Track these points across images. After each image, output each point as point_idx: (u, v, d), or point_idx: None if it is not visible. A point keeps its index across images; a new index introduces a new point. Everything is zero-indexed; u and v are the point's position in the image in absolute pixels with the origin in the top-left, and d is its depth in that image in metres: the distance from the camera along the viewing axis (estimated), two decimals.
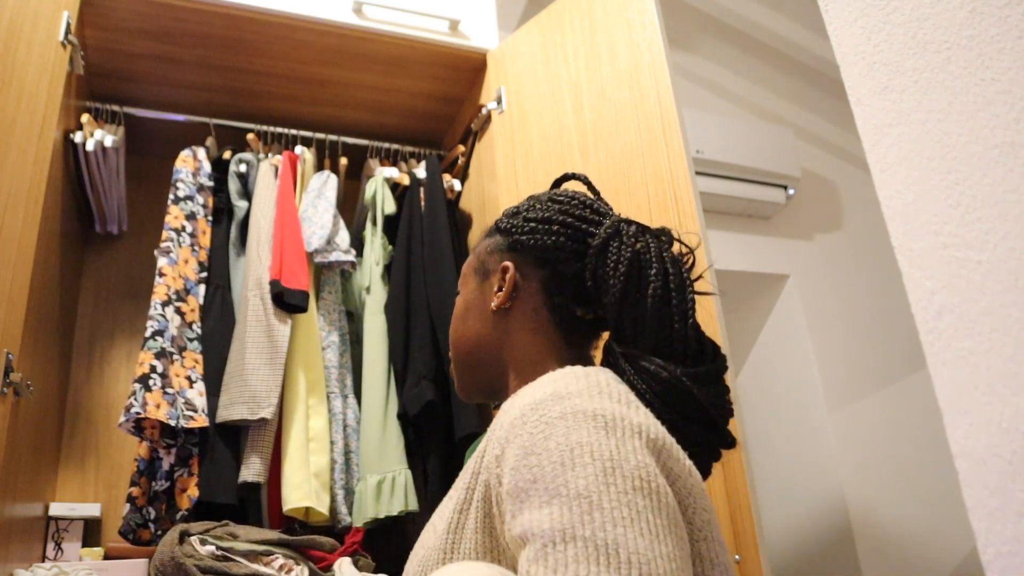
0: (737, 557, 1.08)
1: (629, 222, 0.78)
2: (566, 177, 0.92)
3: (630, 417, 0.59)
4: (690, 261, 0.78)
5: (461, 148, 1.93)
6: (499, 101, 1.74)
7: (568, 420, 0.57)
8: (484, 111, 1.78)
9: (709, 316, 1.20)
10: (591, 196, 0.84)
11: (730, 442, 0.74)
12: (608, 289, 0.74)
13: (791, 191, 2.64)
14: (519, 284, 0.80)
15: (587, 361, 0.81)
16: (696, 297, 0.75)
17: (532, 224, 0.80)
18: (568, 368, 0.66)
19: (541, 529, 0.51)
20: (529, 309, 0.79)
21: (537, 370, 0.77)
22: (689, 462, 0.62)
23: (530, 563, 0.50)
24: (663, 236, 0.78)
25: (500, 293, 0.80)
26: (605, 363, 0.77)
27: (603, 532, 0.50)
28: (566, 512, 0.51)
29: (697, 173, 1.86)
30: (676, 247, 0.79)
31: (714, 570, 0.60)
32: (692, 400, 0.69)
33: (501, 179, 1.68)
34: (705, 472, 0.72)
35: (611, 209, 0.82)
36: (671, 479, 0.59)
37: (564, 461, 0.54)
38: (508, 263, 0.81)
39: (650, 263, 0.73)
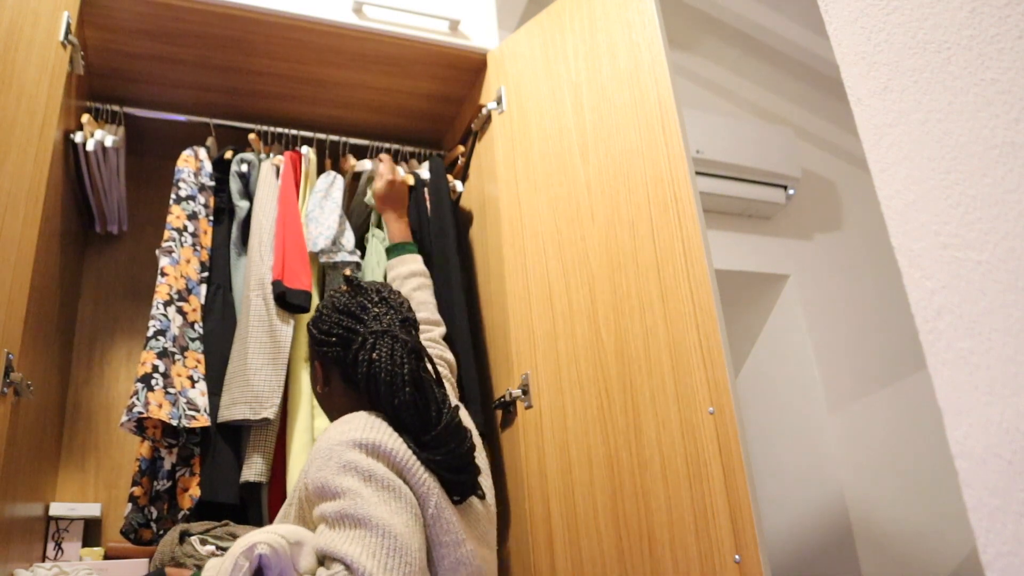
0: (737, 557, 1.08)
1: (373, 332, 1.09)
2: (346, 279, 1.21)
3: (384, 443, 0.96)
4: (423, 354, 1.12)
5: (461, 148, 1.93)
6: (499, 101, 1.74)
7: (343, 446, 0.94)
8: (484, 111, 1.78)
9: (709, 316, 1.20)
10: (358, 301, 1.14)
11: (473, 481, 1.06)
12: (360, 384, 1.08)
13: (791, 191, 2.64)
14: (326, 374, 1.16)
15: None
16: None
17: (319, 338, 1.15)
18: (354, 413, 1.02)
19: (328, 512, 0.88)
20: (340, 388, 1.14)
21: None
22: (424, 476, 0.98)
23: (324, 529, 0.88)
24: (408, 337, 1.10)
25: (319, 381, 1.18)
26: None
27: (363, 510, 0.87)
28: (343, 501, 0.88)
29: (697, 173, 1.87)
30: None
31: (438, 546, 0.96)
32: (426, 460, 1.00)
33: (501, 179, 1.68)
34: (470, 489, 1.06)
35: (374, 308, 1.13)
36: (410, 486, 0.95)
37: (339, 472, 0.91)
38: (317, 362, 1.17)
39: (380, 370, 1.05)
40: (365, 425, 0.97)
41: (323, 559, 0.85)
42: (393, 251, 1.65)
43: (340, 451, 0.92)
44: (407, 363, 1.07)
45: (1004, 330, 0.50)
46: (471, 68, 1.84)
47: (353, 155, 1.90)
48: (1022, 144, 0.52)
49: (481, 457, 1.15)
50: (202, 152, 1.71)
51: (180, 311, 1.50)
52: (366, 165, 1.86)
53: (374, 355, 1.07)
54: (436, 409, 1.06)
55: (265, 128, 1.83)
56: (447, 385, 1.32)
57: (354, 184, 1.92)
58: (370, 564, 0.81)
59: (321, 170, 1.81)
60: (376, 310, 1.13)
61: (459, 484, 1.04)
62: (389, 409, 1.04)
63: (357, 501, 0.86)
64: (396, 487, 0.91)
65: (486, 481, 1.15)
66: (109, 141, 1.60)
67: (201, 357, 1.52)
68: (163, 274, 1.50)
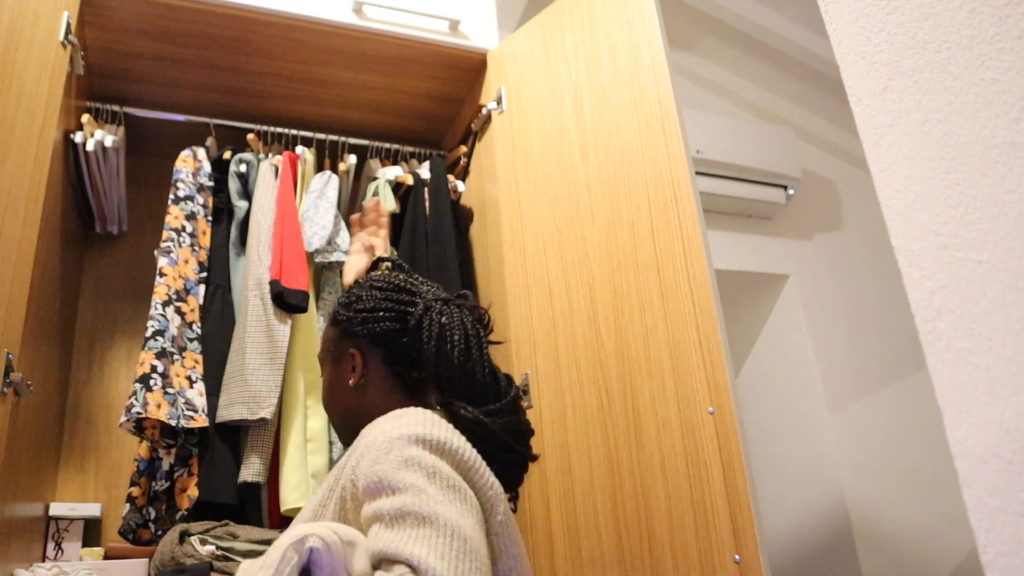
0: (737, 557, 1.08)
1: (436, 299, 1.00)
2: (380, 260, 1.14)
3: (450, 441, 0.83)
4: (487, 320, 1.03)
5: (463, 148, 1.93)
6: (499, 101, 1.74)
7: (404, 440, 0.81)
8: (484, 111, 1.78)
9: (709, 316, 1.20)
10: (404, 277, 1.06)
11: (528, 458, 0.98)
12: (425, 356, 0.97)
13: (791, 191, 2.64)
14: (366, 362, 1.02)
15: (428, 406, 1.01)
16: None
17: (363, 315, 1.02)
18: (409, 408, 0.89)
19: (385, 509, 0.75)
20: (378, 379, 1.01)
21: None
22: (491, 479, 0.85)
23: (380, 530, 0.74)
24: (465, 304, 1.02)
25: (355, 373, 1.02)
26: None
27: (428, 507, 0.74)
28: (403, 497, 0.75)
29: (697, 173, 1.86)
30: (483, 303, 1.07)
31: (504, 556, 0.84)
32: (489, 431, 0.93)
33: (501, 179, 1.68)
34: (517, 480, 0.98)
35: (423, 285, 1.04)
36: (475, 489, 0.83)
37: (400, 467, 0.78)
38: (353, 350, 1.02)
39: (453, 331, 0.97)
40: (425, 420, 0.86)
41: (379, 563, 0.73)
42: None
43: (400, 445, 0.81)
44: (479, 327, 1.00)
45: (1004, 330, 0.50)
46: (471, 68, 1.84)
47: (362, 157, 1.90)
48: (1022, 144, 0.52)
49: None
50: (201, 152, 1.71)
51: (178, 311, 1.50)
52: (397, 172, 1.86)
53: (444, 319, 0.98)
54: (505, 379, 0.99)
55: (265, 128, 1.83)
56: None
57: (355, 185, 1.92)
58: (439, 566, 0.69)
59: (320, 170, 1.81)
60: (426, 286, 1.05)
61: (516, 467, 0.97)
62: (460, 376, 0.95)
63: (421, 497, 0.75)
64: (462, 489, 0.80)
65: None
66: (109, 141, 1.60)
67: (199, 357, 1.52)
68: (161, 274, 1.50)
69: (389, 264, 1.13)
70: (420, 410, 0.89)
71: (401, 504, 0.75)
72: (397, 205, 1.83)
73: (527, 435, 0.99)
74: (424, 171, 1.88)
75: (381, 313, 1.01)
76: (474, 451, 0.86)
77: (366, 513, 0.78)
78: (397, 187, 1.88)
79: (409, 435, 0.82)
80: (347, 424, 1.04)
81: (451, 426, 0.88)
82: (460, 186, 1.91)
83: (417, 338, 0.98)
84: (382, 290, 1.03)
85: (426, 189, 1.83)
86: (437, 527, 0.73)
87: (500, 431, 0.94)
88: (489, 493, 0.85)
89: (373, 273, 1.09)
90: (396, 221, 1.84)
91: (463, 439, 0.86)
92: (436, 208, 1.78)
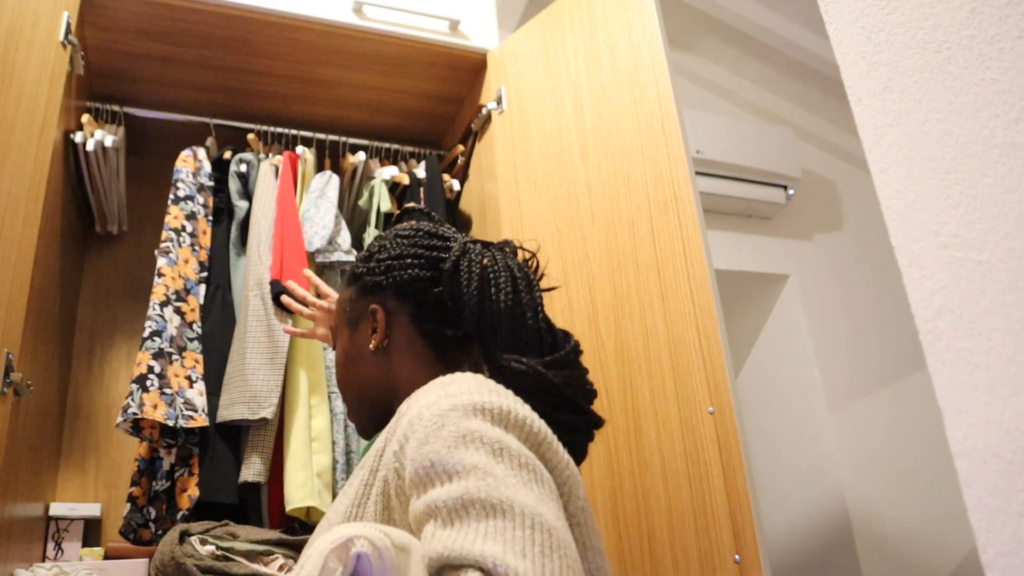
0: (737, 557, 1.08)
1: (474, 241, 0.86)
2: (406, 211, 0.97)
3: (516, 410, 0.67)
4: (534, 264, 0.87)
5: (461, 148, 1.93)
6: (499, 101, 1.74)
7: (459, 412, 0.64)
8: (484, 111, 1.78)
9: (709, 316, 1.20)
10: (433, 225, 0.91)
11: (596, 421, 0.83)
12: (465, 304, 0.81)
13: (791, 191, 2.64)
14: (390, 321, 0.86)
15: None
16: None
17: (387, 263, 0.86)
18: (456, 374, 0.73)
19: (442, 500, 0.58)
20: (404, 341, 0.86)
21: None
22: (567, 456, 0.69)
23: (436, 529, 0.57)
24: (507, 248, 0.87)
25: (375, 335, 0.86)
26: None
27: (497, 493, 0.57)
28: (463, 482, 0.58)
29: (697, 173, 1.86)
30: (521, 255, 0.88)
31: (587, 552, 0.68)
32: (550, 385, 0.77)
33: (501, 179, 1.68)
34: (583, 453, 0.82)
35: (455, 232, 0.89)
36: (549, 468, 0.66)
37: (457, 444, 0.61)
38: (375, 305, 0.86)
39: (498, 273, 0.81)
40: (480, 386, 0.69)
41: (440, 571, 0.55)
42: None
43: (455, 418, 0.64)
44: (527, 270, 0.85)
45: (1004, 330, 0.50)
46: (471, 68, 1.84)
47: (356, 155, 1.90)
48: (1022, 144, 0.52)
49: None
50: (201, 152, 1.71)
51: (178, 311, 1.50)
52: (394, 172, 1.86)
53: (485, 261, 0.82)
54: (561, 332, 0.84)
55: (265, 128, 1.83)
56: None
57: (356, 185, 1.92)
58: (521, 566, 0.52)
59: (320, 170, 1.81)
60: (460, 234, 0.90)
61: (582, 432, 0.82)
62: (508, 325, 0.79)
63: (488, 481, 0.58)
64: (536, 468, 0.62)
65: None
66: (109, 141, 1.60)
67: (200, 357, 1.52)
68: (160, 275, 1.50)
69: (409, 211, 0.97)
70: (471, 375, 0.73)
71: (462, 491, 0.58)
72: (394, 205, 1.83)
73: (592, 394, 0.83)
74: (420, 171, 1.88)
75: (409, 260, 0.85)
76: (543, 422, 0.69)
77: (416, 509, 0.61)
78: (394, 187, 1.89)
79: (465, 404, 0.65)
80: (365, 400, 0.88)
81: (511, 392, 0.71)
82: (456, 185, 1.91)
83: (454, 284, 0.82)
84: (409, 237, 0.88)
85: (421, 189, 1.83)
86: (512, 517, 0.56)
87: (563, 385, 0.78)
88: (566, 473, 0.68)
89: (397, 226, 0.94)
90: (392, 222, 1.84)
91: (529, 408, 0.69)
92: (431, 207, 1.78)
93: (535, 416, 0.68)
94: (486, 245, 0.86)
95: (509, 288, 0.81)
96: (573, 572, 0.55)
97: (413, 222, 0.93)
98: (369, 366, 0.87)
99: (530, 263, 0.87)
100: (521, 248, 0.89)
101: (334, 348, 0.95)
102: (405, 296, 0.85)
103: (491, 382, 0.72)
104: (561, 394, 0.78)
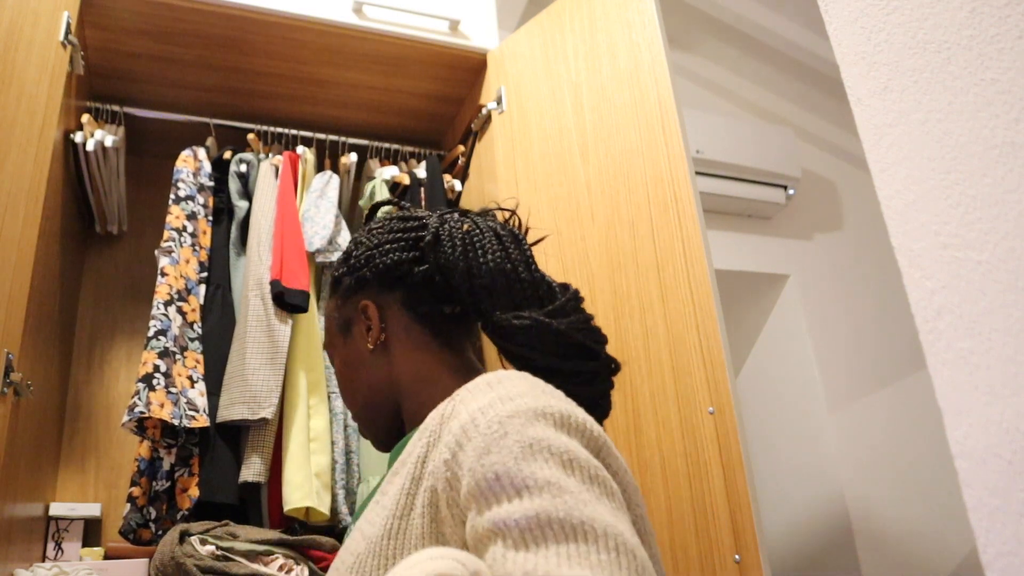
0: (737, 557, 1.08)
1: (451, 211, 0.82)
2: (378, 205, 0.94)
3: (575, 415, 0.62)
4: (515, 222, 0.84)
5: (461, 148, 1.93)
6: (499, 101, 1.74)
7: (521, 418, 0.59)
8: (484, 111, 1.78)
9: (709, 316, 1.20)
10: (403, 210, 0.87)
11: (613, 364, 0.78)
12: (454, 271, 0.77)
13: (791, 191, 2.64)
14: (383, 314, 0.82)
15: (470, 362, 0.83)
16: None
17: (366, 255, 0.83)
18: (502, 372, 0.68)
19: (514, 519, 0.52)
20: (402, 331, 0.81)
21: (429, 385, 0.80)
22: (624, 462, 0.65)
23: (507, 550, 0.51)
24: (486, 214, 0.83)
25: (371, 331, 0.82)
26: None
27: (577, 511, 0.51)
28: (537, 500, 0.52)
29: (697, 173, 1.87)
30: (501, 216, 0.84)
31: (656, 565, 0.63)
32: (557, 333, 0.74)
33: (501, 179, 1.68)
34: (607, 405, 0.78)
35: (428, 212, 0.85)
36: (610, 474, 0.61)
37: (525, 455, 0.56)
38: (365, 301, 0.82)
39: (482, 234, 0.78)
40: (534, 387, 0.64)
41: None
42: None
43: (518, 425, 0.58)
44: (511, 229, 0.81)
45: (1004, 330, 0.50)
46: (471, 68, 1.84)
47: (362, 157, 1.90)
48: (1022, 144, 0.52)
49: None
50: (201, 152, 1.71)
51: (180, 311, 1.50)
52: (394, 172, 1.86)
53: (466, 226, 0.79)
54: (559, 284, 0.80)
55: (265, 128, 1.83)
56: None
57: (354, 184, 1.92)
58: None
59: (321, 170, 1.81)
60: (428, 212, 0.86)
61: (600, 379, 0.77)
62: (502, 283, 0.76)
63: (566, 499, 0.53)
64: (604, 480, 0.57)
65: None
66: (109, 141, 1.60)
67: (200, 357, 1.52)
68: (163, 274, 1.50)
69: (392, 202, 0.95)
70: (517, 373, 0.67)
71: (537, 510, 0.52)
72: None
73: (603, 337, 0.78)
74: (421, 171, 1.88)
75: (387, 246, 0.82)
76: (599, 427, 0.64)
77: (478, 526, 0.55)
78: (394, 187, 1.89)
79: (526, 410, 0.60)
80: (374, 407, 0.83)
81: (563, 394, 0.66)
82: (457, 185, 1.91)
83: (439, 255, 0.78)
84: (382, 226, 0.85)
85: (422, 189, 1.83)
86: (595, 539, 0.50)
87: (570, 331, 0.74)
88: (626, 480, 0.63)
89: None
90: None
91: (584, 411, 0.65)
92: (432, 207, 1.78)
93: (589, 419, 0.64)
94: (463, 213, 0.83)
95: (496, 246, 0.77)
96: None
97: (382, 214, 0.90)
98: (370, 368, 0.82)
99: (511, 221, 0.84)
100: (500, 209, 0.86)
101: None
102: (392, 283, 0.82)
103: (541, 381, 0.67)
104: (570, 341, 0.75)
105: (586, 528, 0.50)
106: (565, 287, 0.80)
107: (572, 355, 0.75)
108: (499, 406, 0.60)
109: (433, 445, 0.65)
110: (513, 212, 0.85)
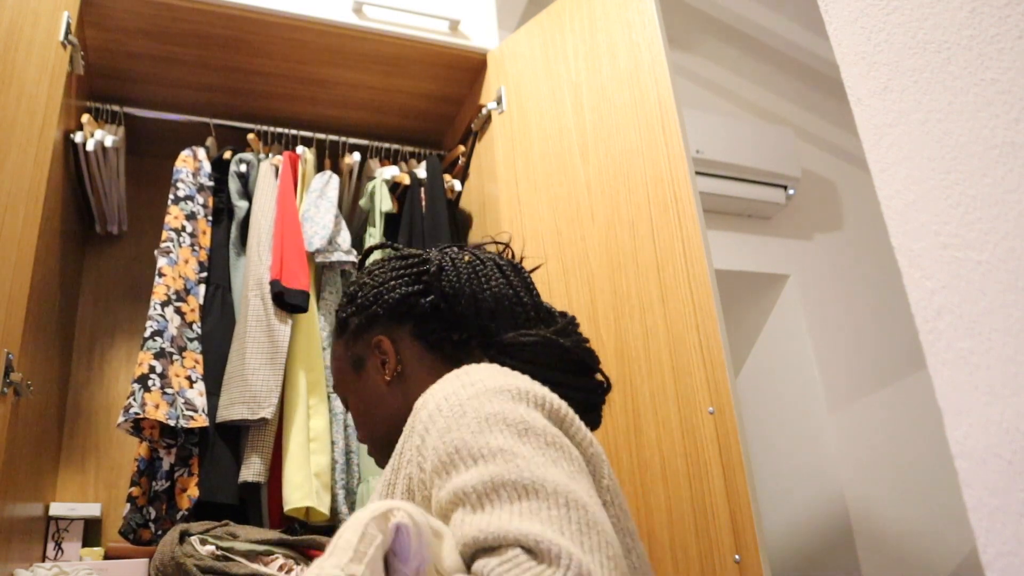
0: (737, 557, 1.08)
1: (448, 245, 0.90)
2: (371, 249, 0.99)
3: (534, 390, 0.67)
4: (509, 254, 0.91)
5: (461, 148, 1.93)
6: (499, 101, 1.74)
7: (480, 398, 0.64)
8: (484, 111, 1.78)
9: (709, 316, 1.20)
10: (398, 250, 0.93)
11: (605, 384, 0.85)
12: (460, 297, 0.83)
13: (791, 191, 2.64)
14: (397, 347, 0.86)
15: None
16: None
17: (373, 293, 0.87)
18: (470, 365, 0.73)
19: (470, 486, 0.56)
20: (415, 361, 0.86)
21: None
22: (590, 434, 0.68)
23: (465, 515, 0.55)
24: (481, 247, 0.90)
25: (387, 365, 0.86)
26: None
27: (527, 473, 0.56)
28: (491, 466, 0.57)
29: (697, 173, 1.86)
30: (495, 248, 0.92)
31: (619, 534, 0.66)
32: (563, 350, 0.80)
33: (501, 179, 1.68)
34: (598, 419, 0.84)
35: (424, 249, 0.92)
36: (574, 444, 0.65)
37: (481, 428, 0.60)
38: (379, 336, 0.86)
39: (483, 264, 0.85)
40: (495, 372, 0.69)
41: (475, 554, 0.53)
42: None
43: (477, 404, 0.62)
44: (507, 260, 0.88)
45: (1004, 330, 0.50)
46: (471, 68, 1.84)
47: (362, 157, 1.90)
48: (1022, 144, 0.52)
49: None
50: (200, 152, 1.71)
51: (178, 311, 1.50)
52: (394, 172, 1.86)
53: (467, 258, 0.85)
54: (556, 310, 0.88)
55: (265, 128, 1.83)
56: None
57: (356, 185, 1.92)
58: (562, 540, 0.50)
59: (320, 170, 1.81)
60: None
61: (596, 395, 0.83)
62: (507, 307, 0.82)
63: (517, 462, 0.56)
64: (563, 445, 0.61)
65: None
66: (109, 141, 1.60)
67: (199, 357, 1.52)
68: (160, 275, 1.50)
69: (387, 244, 1.00)
70: (485, 364, 0.72)
71: (490, 475, 0.56)
72: (394, 205, 1.83)
73: (597, 359, 0.85)
74: (421, 171, 1.88)
75: (393, 282, 0.87)
76: (563, 401, 0.68)
77: (441, 499, 0.58)
78: (394, 187, 1.89)
79: (484, 390, 0.64)
80: (391, 436, 0.84)
81: (527, 376, 0.71)
82: (457, 185, 1.91)
83: (444, 284, 0.84)
84: (383, 265, 0.90)
85: (422, 189, 1.83)
86: (545, 496, 0.54)
87: (574, 347, 0.80)
88: (591, 451, 0.67)
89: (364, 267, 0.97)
90: (393, 221, 1.84)
91: (547, 389, 0.69)
92: (432, 207, 1.78)
93: (554, 395, 0.68)
94: (460, 247, 0.89)
95: (497, 273, 0.84)
96: (612, 548, 0.53)
97: (377, 257, 0.94)
98: (388, 401, 0.85)
99: (504, 254, 0.90)
100: (494, 242, 0.93)
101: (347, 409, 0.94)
102: (401, 317, 0.86)
103: (505, 368, 0.71)
104: (575, 358, 0.80)
105: (537, 487, 0.55)
106: (563, 313, 0.87)
107: (574, 371, 0.81)
108: (461, 391, 0.65)
109: (408, 436, 0.69)
110: (507, 245, 0.92)
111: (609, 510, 0.66)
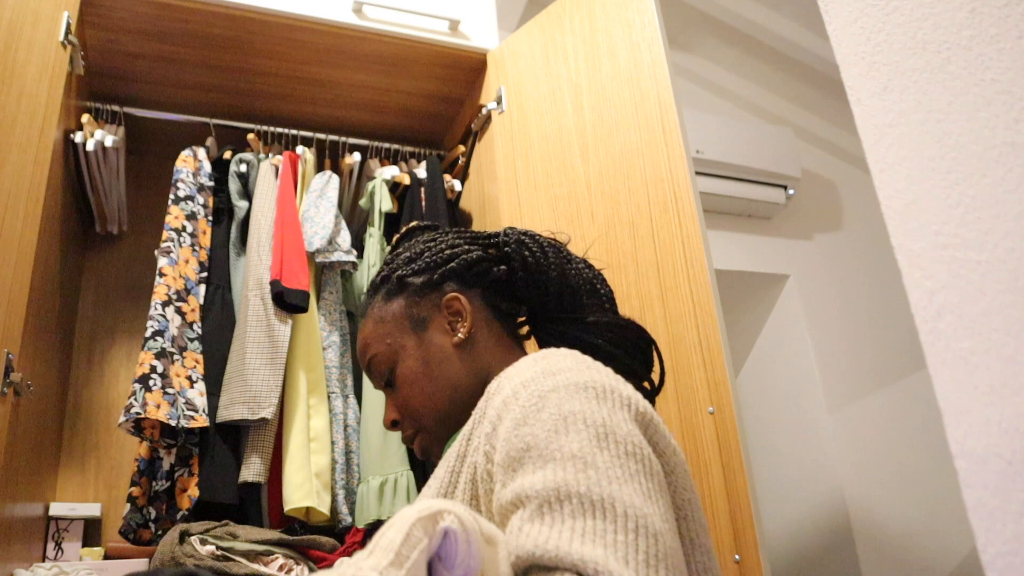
0: (737, 557, 1.08)
1: (513, 228, 0.88)
2: (415, 228, 0.95)
3: (620, 389, 0.61)
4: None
5: (461, 148, 1.93)
6: (499, 101, 1.74)
7: (560, 392, 0.59)
8: (484, 111, 1.78)
9: (709, 316, 1.20)
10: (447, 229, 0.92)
11: (660, 385, 0.85)
12: (546, 272, 0.81)
13: (791, 191, 2.64)
14: (466, 308, 0.82)
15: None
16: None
17: (447, 253, 0.84)
18: (548, 349, 0.69)
19: (535, 490, 0.51)
20: (484, 325, 0.82)
21: None
22: (675, 441, 0.64)
23: (524, 522, 0.50)
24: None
25: (461, 324, 0.81)
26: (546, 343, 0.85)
27: (598, 488, 0.50)
28: (560, 472, 0.52)
29: (697, 173, 1.86)
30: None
31: (695, 551, 0.61)
32: (633, 336, 0.80)
33: (501, 179, 1.68)
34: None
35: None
36: (656, 453, 0.60)
37: (558, 428, 0.55)
38: (452, 294, 0.82)
39: (563, 246, 0.85)
40: (579, 363, 0.64)
41: (527, 571, 0.49)
42: None
43: (556, 398, 0.57)
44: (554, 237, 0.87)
45: (1004, 330, 0.50)
46: (471, 68, 1.84)
47: (362, 157, 1.90)
48: (1022, 144, 0.52)
49: None
50: (201, 152, 1.71)
51: (179, 311, 1.50)
52: (394, 172, 1.86)
53: (525, 237, 0.84)
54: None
55: (265, 128, 1.83)
56: None
57: (356, 185, 1.92)
58: (624, 573, 0.46)
59: (320, 170, 1.81)
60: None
61: (656, 383, 0.81)
62: (587, 287, 0.81)
63: (589, 473, 0.51)
64: (645, 457, 0.55)
65: None
66: (109, 141, 1.60)
67: (200, 357, 1.52)
68: (161, 274, 1.50)
69: (425, 225, 0.96)
70: (566, 350, 0.67)
71: (558, 483, 0.51)
72: (394, 205, 1.83)
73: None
74: (421, 171, 1.88)
75: (467, 246, 0.84)
76: (648, 403, 0.63)
77: (503, 497, 0.54)
78: (395, 187, 1.89)
79: (567, 383, 0.59)
80: (458, 405, 0.79)
81: (611, 370, 0.65)
82: (457, 185, 1.91)
83: (528, 256, 0.81)
84: (446, 233, 0.87)
85: (422, 189, 1.83)
86: (614, 518, 0.49)
87: (649, 337, 0.80)
88: (674, 460, 0.61)
89: (420, 236, 0.92)
90: (393, 221, 1.84)
91: (632, 388, 0.64)
92: (432, 207, 1.78)
93: (640, 395, 0.63)
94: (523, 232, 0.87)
95: (578, 258, 0.84)
96: None
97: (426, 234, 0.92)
98: (456, 364, 0.79)
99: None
100: (556, 233, 0.93)
101: (385, 382, 0.84)
102: (474, 280, 0.83)
103: (589, 358, 0.66)
104: (648, 341, 0.80)
105: (607, 505, 0.49)
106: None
107: (645, 359, 0.81)
108: (541, 380, 0.60)
109: (478, 422, 0.65)
110: (564, 244, 0.90)
111: (684, 525, 0.60)
